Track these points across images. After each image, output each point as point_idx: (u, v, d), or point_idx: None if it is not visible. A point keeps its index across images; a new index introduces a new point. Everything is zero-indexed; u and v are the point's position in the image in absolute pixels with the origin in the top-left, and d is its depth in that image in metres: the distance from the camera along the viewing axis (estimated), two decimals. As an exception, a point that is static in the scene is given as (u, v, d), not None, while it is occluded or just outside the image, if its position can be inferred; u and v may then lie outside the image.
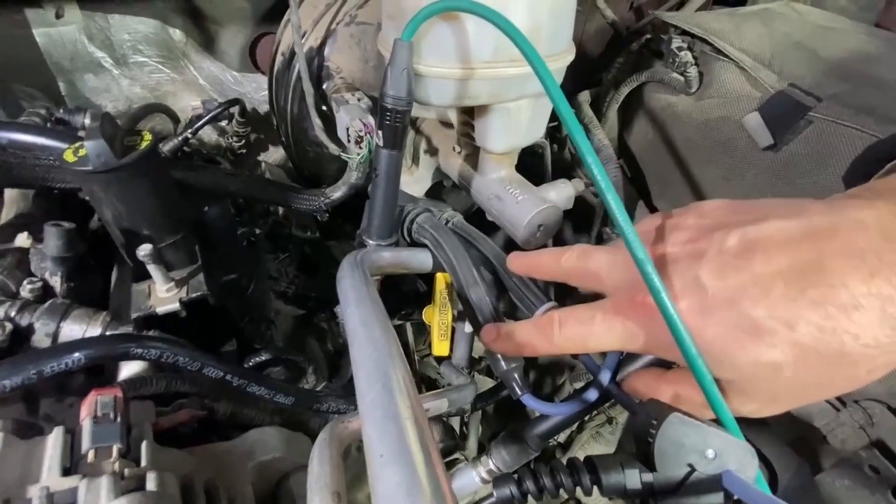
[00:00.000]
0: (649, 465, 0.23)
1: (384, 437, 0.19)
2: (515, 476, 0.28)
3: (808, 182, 0.48)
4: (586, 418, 0.70)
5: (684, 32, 0.61)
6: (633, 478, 0.24)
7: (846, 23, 0.62)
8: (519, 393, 0.37)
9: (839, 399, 0.47)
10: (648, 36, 0.69)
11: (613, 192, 0.26)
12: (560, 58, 0.47)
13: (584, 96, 0.72)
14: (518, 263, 0.36)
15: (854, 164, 0.34)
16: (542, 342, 0.31)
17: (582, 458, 0.27)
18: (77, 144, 0.42)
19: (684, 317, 0.24)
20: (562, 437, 0.74)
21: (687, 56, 0.59)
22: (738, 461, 0.22)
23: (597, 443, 0.71)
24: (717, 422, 0.24)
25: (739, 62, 0.55)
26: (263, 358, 0.52)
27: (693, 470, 0.22)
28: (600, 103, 0.72)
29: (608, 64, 0.73)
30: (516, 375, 0.38)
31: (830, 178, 0.46)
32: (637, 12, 0.82)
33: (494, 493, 0.29)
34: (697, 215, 0.27)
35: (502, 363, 0.37)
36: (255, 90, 0.95)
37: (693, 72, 0.59)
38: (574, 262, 0.31)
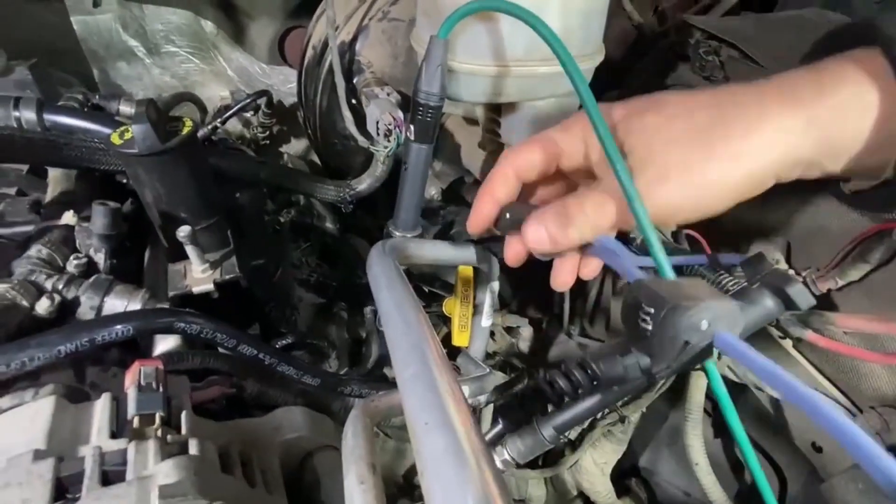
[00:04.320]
0: (640, 345, 0.24)
1: (427, 406, 0.21)
2: (516, 400, 0.30)
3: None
4: (598, 416, 0.70)
5: (711, 36, 0.62)
6: (633, 366, 0.24)
7: (875, 32, 0.62)
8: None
9: (855, 405, 0.47)
10: (675, 39, 0.69)
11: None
12: (590, 58, 0.48)
13: (609, 98, 0.72)
14: (474, 225, 0.35)
15: None
16: (499, 167, 0.33)
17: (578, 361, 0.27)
18: (123, 128, 0.45)
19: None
20: (573, 435, 0.75)
21: (714, 60, 0.60)
22: (728, 323, 0.23)
23: (608, 441, 0.72)
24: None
25: (768, 68, 0.56)
26: (288, 341, 0.54)
27: (688, 343, 0.23)
28: (624, 105, 0.72)
29: (633, 66, 0.74)
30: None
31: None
32: (661, 15, 0.82)
33: (501, 422, 0.30)
34: None
35: None
36: (281, 82, 0.97)
37: (719, 76, 0.59)
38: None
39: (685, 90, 0.30)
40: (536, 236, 0.30)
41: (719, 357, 0.59)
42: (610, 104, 0.32)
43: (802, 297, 0.34)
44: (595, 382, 0.26)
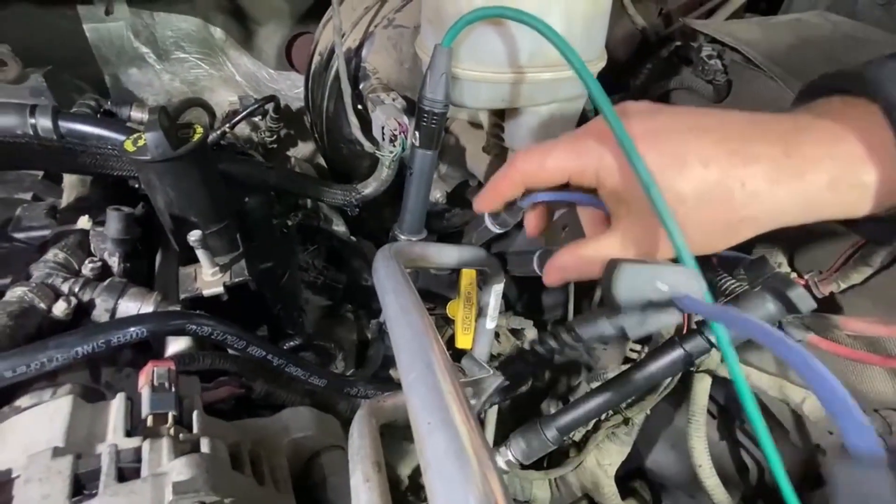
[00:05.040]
0: (613, 308, 0.26)
1: (430, 408, 0.21)
2: (514, 359, 0.32)
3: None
4: (602, 417, 0.71)
5: (714, 40, 0.62)
6: (606, 326, 0.27)
7: (880, 34, 0.62)
8: None
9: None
10: (678, 43, 0.69)
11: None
12: (592, 64, 0.48)
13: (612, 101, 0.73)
14: (482, 205, 0.36)
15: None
16: (508, 172, 0.32)
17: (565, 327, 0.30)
18: (136, 135, 0.46)
19: (635, 140, 0.27)
20: (577, 436, 0.75)
21: (717, 64, 0.60)
22: (687, 286, 0.25)
23: (612, 443, 0.72)
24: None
25: (770, 72, 0.56)
26: (296, 343, 0.55)
27: (651, 303, 0.25)
28: (627, 108, 0.73)
29: (636, 69, 0.74)
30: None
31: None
32: (666, 19, 0.82)
33: (490, 371, 0.32)
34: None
35: None
36: (289, 87, 0.98)
37: (722, 80, 0.60)
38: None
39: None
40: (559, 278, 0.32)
41: (721, 360, 0.59)
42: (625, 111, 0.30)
43: (803, 300, 0.35)
44: (578, 341, 0.29)
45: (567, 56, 0.32)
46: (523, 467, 0.52)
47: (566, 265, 0.32)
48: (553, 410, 0.75)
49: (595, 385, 0.71)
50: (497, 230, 0.57)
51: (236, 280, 0.48)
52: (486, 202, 0.35)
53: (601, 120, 0.29)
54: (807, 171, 0.26)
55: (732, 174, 0.26)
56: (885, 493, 0.16)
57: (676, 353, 0.41)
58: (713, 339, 0.39)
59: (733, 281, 0.43)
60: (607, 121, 0.28)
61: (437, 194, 0.72)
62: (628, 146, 0.27)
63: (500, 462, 0.52)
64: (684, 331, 0.55)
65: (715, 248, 0.29)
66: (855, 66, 0.27)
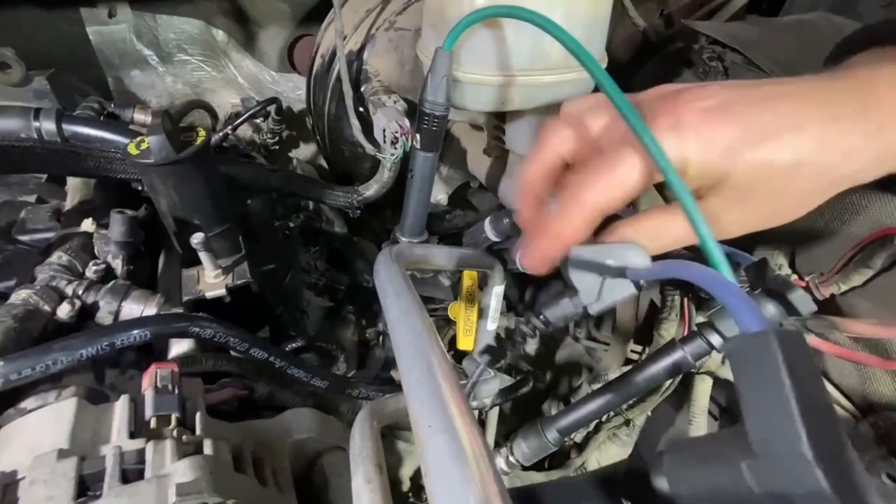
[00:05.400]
0: (573, 289, 0.29)
1: (430, 410, 0.22)
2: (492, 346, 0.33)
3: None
4: (603, 419, 0.71)
5: (715, 42, 0.62)
6: (568, 306, 0.29)
7: (881, 35, 0.62)
8: None
9: (859, 409, 0.47)
10: (679, 44, 0.69)
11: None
12: (592, 67, 0.48)
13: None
14: (534, 258, 0.29)
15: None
16: (575, 214, 0.27)
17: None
18: (139, 138, 0.46)
19: (705, 116, 0.25)
20: (578, 438, 0.75)
21: (717, 66, 0.60)
22: (633, 259, 0.27)
23: (613, 444, 0.72)
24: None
25: (771, 73, 0.56)
26: (298, 344, 0.55)
27: (605, 279, 0.27)
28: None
29: (637, 70, 0.74)
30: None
31: (863, 189, 0.47)
32: (667, 20, 0.83)
33: (481, 362, 0.36)
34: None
35: None
36: (291, 89, 0.99)
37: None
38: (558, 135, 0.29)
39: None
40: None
41: (723, 361, 0.59)
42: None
43: (804, 303, 0.35)
44: (547, 325, 0.31)
45: (574, 50, 0.32)
46: (524, 468, 0.52)
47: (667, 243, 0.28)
48: (554, 411, 0.75)
49: (596, 386, 0.72)
50: (496, 239, 0.57)
51: (239, 282, 0.49)
52: (543, 253, 0.29)
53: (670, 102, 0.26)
54: (885, 123, 0.25)
55: (826, 137, 0.25)
56: (772, 352, 0.17)
57: (677, 355, 0.41)
58: (714, 342, 0.39)
59: (734, 283, 0.43)
60: (624, 117, 0.25)
61: (439, 196, 0.72)
62: (640, 129, 0.25)
63: (501, 463, 0.52)
64: (684, 333, 0.55)
65: (802, 213, 0.27)
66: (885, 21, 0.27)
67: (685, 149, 0.25)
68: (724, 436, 0.20)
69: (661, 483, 0.22)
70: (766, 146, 0.25)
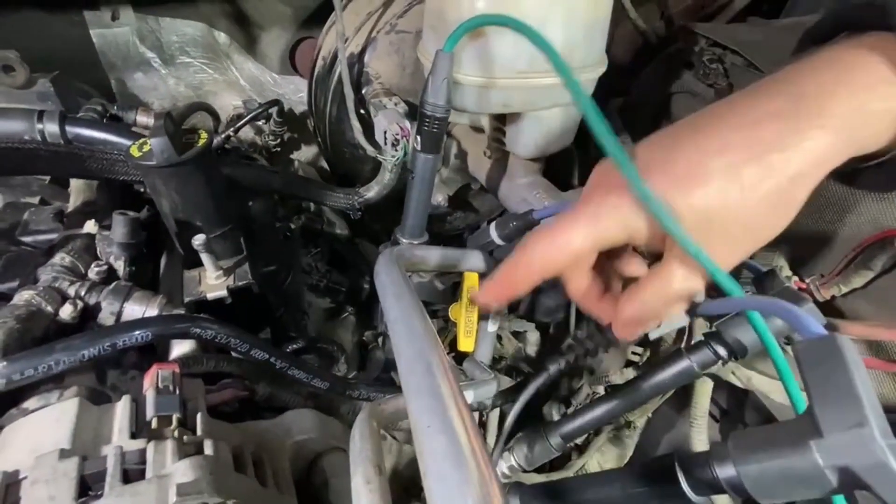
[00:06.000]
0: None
1: (430, 412, 0.22)
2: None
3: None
4: (604, 421, 0.71)
5: (716, 44, 0.62)
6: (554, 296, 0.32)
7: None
8: None
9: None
10: (679, 46, 0.69)
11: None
12: (592, 69, 0.49)
13: (613, 105, 0.73)
14: (489, 297, 0.32)
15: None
16: (524, 263, 0.29)
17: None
18: (142, 141, 0.46)
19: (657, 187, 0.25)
20: (579, 440, 0.75)
21: (718, 68, 0.60)
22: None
23: (614, 446, 0.72)
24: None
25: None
26: (299, 345, 0.55)
27: None
28: (629, 112, 0.73)
29: (637, 73, 0.74)
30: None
31: (863, 191, 0.46)
32: (668, 22, 0.83)
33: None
34: None
35: None
36: (292, 91, 0.99)
37: (724, 84, 0.60)
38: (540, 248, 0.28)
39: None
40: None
41: (724, 363, 0.59)
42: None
43: (814, 316, 0.35)
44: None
45: (555, 63, 0.32)
46: (526, 471, 0.52)
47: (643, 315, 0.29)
48: (555, 413, 0.75)
49: (597, 388, 0.72)
50: (501, 242, 0.58)
51: (240, 283, 0.49)
52: (495, 295, 0.31)
53: (602, 171, 0.28)
54: (825, 107, 0.25)
55: (754, 146, 0.25)
56: (838, 350, 0.20)
57: (683, 365, 0.41)
58: (720, 352, 0.39)
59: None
60: (613, 158, 0.26)
61: (439, 198, 0.72)
62: (633, 178, 0.25)
63: (504, 467, 0.52)
64: (685, 334, 0.55)
65: (785, 223, 0.27)
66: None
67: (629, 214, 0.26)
68: (790, 422, 0.23)
69: (726, 469, 0.24)
70: (695, 194, 0.25)
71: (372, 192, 0.64)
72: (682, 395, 0.62)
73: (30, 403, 0.37)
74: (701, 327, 0.52)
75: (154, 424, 0.33)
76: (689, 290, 0.28)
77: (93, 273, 0.46)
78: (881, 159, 0.28)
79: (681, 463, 0.28)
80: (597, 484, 0.33)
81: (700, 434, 0.59)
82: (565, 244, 0.27)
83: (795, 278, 0.49)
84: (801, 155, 0.25)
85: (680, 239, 0.25)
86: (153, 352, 0.48)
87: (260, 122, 0.95)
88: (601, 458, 0.72)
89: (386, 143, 0.56)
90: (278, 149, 1.00)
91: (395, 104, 0.58)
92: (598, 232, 0.27)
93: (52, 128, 0.50)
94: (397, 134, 0.55)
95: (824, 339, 0.21)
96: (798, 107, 0.25)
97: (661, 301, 0.28)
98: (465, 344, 0.57)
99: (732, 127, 0.26)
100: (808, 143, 0.25)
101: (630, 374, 0.67)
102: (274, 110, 0.90)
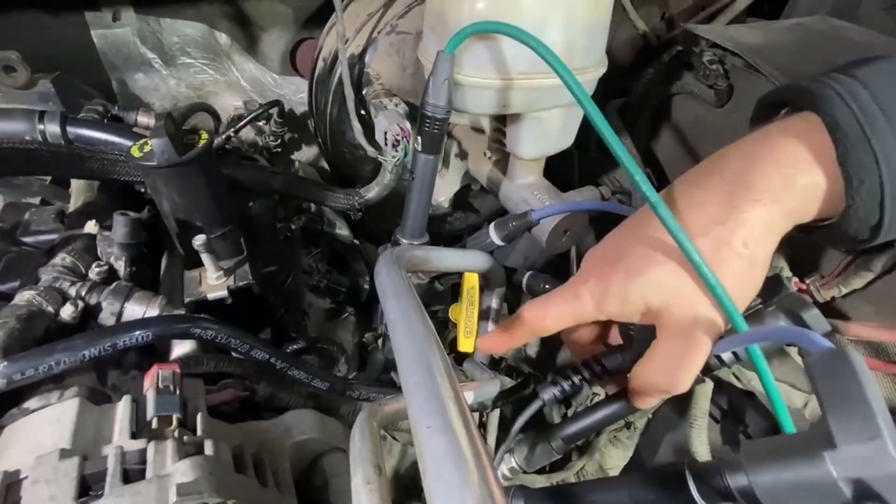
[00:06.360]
0: None
1: (430, 412, 0.22)
2: None
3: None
4: (604, 421, 0.71)
5: (716, 45, 0.62)
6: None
7: (883, 39, 0.62)
8: None
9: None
10: (679, 47, 0.70)
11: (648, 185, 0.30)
12: (592, 70, 0.49)
13: (613, 106, 0.73)
14: (489, 347, 0.42)
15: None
16: (519, 325, 0.36)
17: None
18: (142, 141, 0.46)
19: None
20: (579, 441, 0.75)
21: (718, 69, 0.60)
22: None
23: (614, 447, 0.72)
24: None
25: (771, 77, 0.56)
26: (299, 346, 0.55)
27: None
28: (629, 113, 0.73)
29: (638, 73, 0.74)
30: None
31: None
32: (669, 23, 0.83)
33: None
34: None
35: None
36: (293, 92, 0.99)
37: (724, 85, 0.60)
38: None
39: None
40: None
41: (728, 365, 0.59)
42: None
43: (818, 322, 0.35)
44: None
45: (557, 70, 0.33)
46: (526, 473, 0.52)
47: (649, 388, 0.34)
48: (555, 413, 0.75)
49: (597, 388, 0.72)
50: (501, 243, 0.58)
51: (240, 284, 0.49)
52: (496, 346, 0.40)
53: (590, 264, 0.34)
54: (756, 182, 0.28)
55: (700, 225, 0.28)
56: (850, 364, 0.21)
57: None
58: (724, 357, 0.39)
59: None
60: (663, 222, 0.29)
61: (440, 198, 0.72)
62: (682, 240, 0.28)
63: (504, 469, 0.52)
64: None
65: (756, 287, 0.31)
66: (802, 81, 0.29)
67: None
68: (802, 434, 0.23)
69: (737, 478, 0.24)
70: (638, 282, 0.30)
71: (372, 192, 0.64)
72: (683, 397, 0.62)
73: (30, 403, 0.37)
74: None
75: (154, 424, 0.33)
76: (687, 365, 0.31)
77: (93, 273, 0.46)
78: (826, 223, 0.30)
79: (692, 471, 0.27)
80: (604, 490, 0.32)
81: (700, 435, 0.59)
82: (543, 313, 0.35)
83: (795, 279, 0.49)
84: (742, 227, 0.28)
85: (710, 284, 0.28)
86: (154, 352, 0.48)
87: (260, 123, 0.95)
88: (601, 459, 0.72)
89: (386, 144, 0.56)
90: (279, 149, 1.00)
91: (396, 105, 0.58)
92: (569, 307, 0.33)
93: (53, 128, 0.50)
94: (398, 135, 0.55)
95: (835, 352, 0.22)
96: (733, 185, 0.29)
97: (667, 379, 0.32)
98: (465, 345, 0.57)
99: (677, 213, 0.30)
100: (745, 216, 0.28)
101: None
102: (274, 111, 0.91)
